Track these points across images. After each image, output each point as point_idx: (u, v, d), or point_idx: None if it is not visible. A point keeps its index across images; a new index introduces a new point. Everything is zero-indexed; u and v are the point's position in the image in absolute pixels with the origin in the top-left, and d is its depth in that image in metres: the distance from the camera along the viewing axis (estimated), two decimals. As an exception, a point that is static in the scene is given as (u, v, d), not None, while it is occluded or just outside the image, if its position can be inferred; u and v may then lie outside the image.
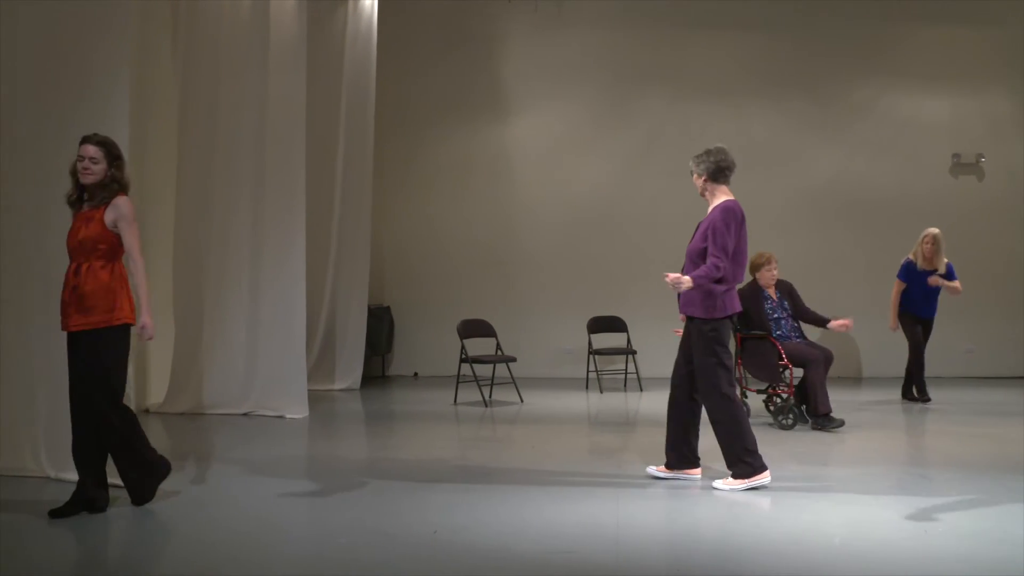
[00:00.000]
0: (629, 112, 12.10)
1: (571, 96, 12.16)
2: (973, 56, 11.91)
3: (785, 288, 8.40)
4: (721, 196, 5.93)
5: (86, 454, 5.05)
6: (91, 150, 4.96)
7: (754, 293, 8.26)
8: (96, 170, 4.96)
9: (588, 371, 10.99)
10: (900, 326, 9.50)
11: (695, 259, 5.88)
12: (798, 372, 7.97)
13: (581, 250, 11.66)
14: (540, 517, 5.27)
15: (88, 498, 5.02)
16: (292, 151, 8.65)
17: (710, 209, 5.95)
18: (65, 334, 5.04)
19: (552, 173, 11.95)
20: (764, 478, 5.75)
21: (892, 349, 10.49)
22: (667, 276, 5.74)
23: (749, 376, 8.33)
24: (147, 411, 8.63)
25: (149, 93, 8.54)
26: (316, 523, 5.25)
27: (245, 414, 8.59)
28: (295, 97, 8.67)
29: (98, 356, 4.94)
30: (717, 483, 5.79)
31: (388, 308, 11.92)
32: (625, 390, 10.80)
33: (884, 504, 5.47)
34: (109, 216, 4.97)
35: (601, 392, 10.61)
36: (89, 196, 5.03)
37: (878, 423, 8.29)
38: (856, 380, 11.38)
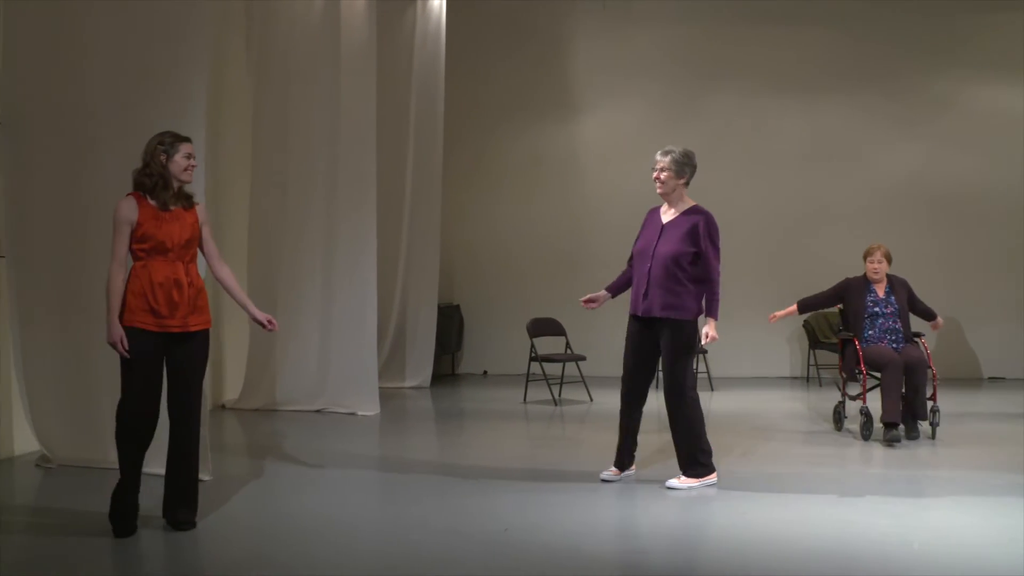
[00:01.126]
0: (699, 109, 11.97)
1: (640, 93, 12.08)
2: (1056, 45, 11.53)
3: (900, 285, 7.64)
4: (688, 200, 5.87)
5: (142, 458, 4.85)
6: (194, 149, 4.89)
7: (860, 287, 7.63)
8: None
9: (658, 370, 10.88)
10: None
11: (669, 263, 5.68)
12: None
13: (651, 248, 11.57)
14: (612, 517, 5.25)
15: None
16: (363, 151, 8.75)
17: (675, 211, 5.83)
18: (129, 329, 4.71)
19: (621, 171, 11.86)
20: (714, 478, 5.81)
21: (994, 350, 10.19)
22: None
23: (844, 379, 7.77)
24: (223, 407, 8.81)
25: (223, 94, 8.72)
26: (387, 519, 5.29)
27: (318, 411, 8.71)
28: (366, 98, 8.77)
29: (206, 355, 4.88)
30: (672, 482, 5.76)
31: (458, 307, 11.98)
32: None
33: (967, 507, 5.32)
34: (201, 218, 4.91)
35: (671, 391, 10.51)
36: (175, 195, 4.83)
37: (968, 427, 8.04)
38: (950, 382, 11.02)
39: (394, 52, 10.37)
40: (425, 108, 10.75)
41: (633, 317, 5.89)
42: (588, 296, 6.12)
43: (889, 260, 7.68)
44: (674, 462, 5.88)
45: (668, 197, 5.84)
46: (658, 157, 5.83)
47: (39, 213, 6.15)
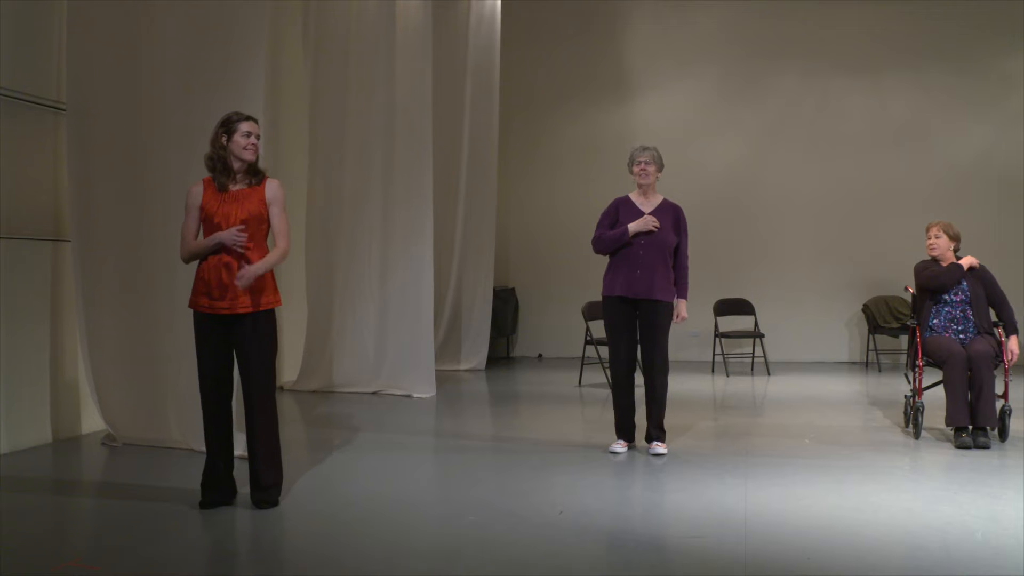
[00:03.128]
0: (761, 89, 11.81)
1: (700, 74, 11.96)
2: None
3: (976, 272, 6.90)
4: (658, 192, 6.48)
5: (223, 436, 4.92)
6: (256, 127, 4.80)
7: (931, 268, 6.97)
8: (259, 145, 4.82)
9: (714, 354, 10.83)
10: None
11: (662, 250, 6.23)
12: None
13: (708, 231, 11.44)
14: (667, 501, 5.23)
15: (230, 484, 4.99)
16: (419, 136, 8.79)
17: (652, 203, 6.39)
18: (194, 312, 4.81)
19: (680, 154, 11.74)
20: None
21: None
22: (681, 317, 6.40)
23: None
24: (281, 388, 8.94)
25: (280, 80, 8.81)
26: (443, 501, 5.33)
27: (374, 393, 8.80)
28: (421, 83, 8.80)
29: (265, 338, 4.79)
30: (660, 448, 6.24)
31: (513, 290, 12.00)
32: (752, 374, 10.60)
33: (1032, 497, 5.19)
34: (268, 195, 4.79)
35: (727, 376, 10.44)
36: (237, 174, 4.81)
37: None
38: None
39: (449, 37, 10.40)
40: (480, 92, 10.76)
41: (618, 299, 6.27)
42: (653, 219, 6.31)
43: (953, 238, 6.97)
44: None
45: (648, 188, 6.43)
46: (641, 152, 6.43)
47: (103, 198, 6.30)
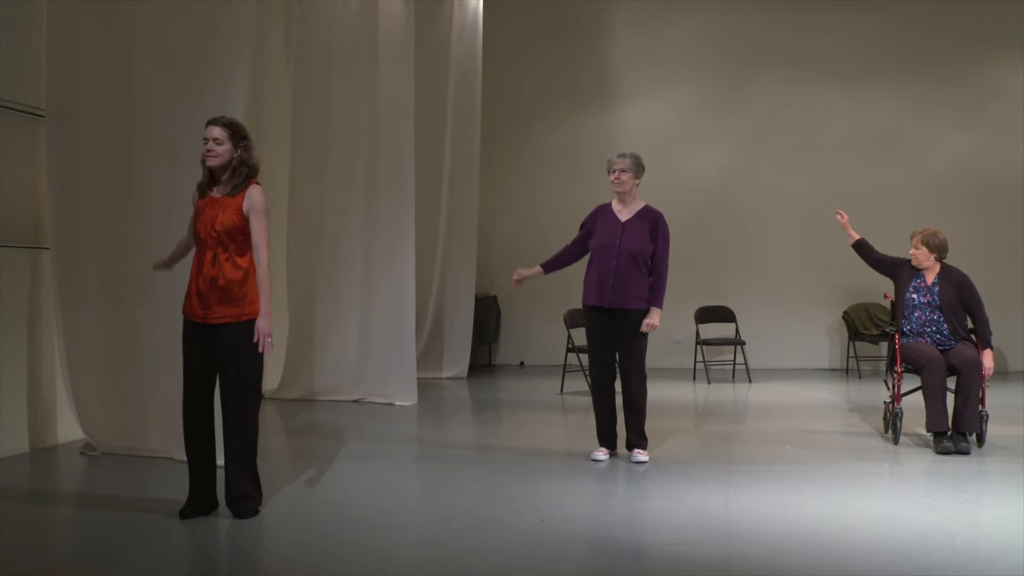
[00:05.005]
0: (743, 97, 11.87)
1: (682, 82, 12.01)
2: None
3: (952, 278, 6.88)
4: (639, 199, 6.37)
5: (203, 444, 4.85)
6: (215, 131, 4.68)
7: (910, 273, 6.98)
8: (220, 151, 4.68)
9: (696, 362, 10.85)
10: None
11: (636, 258, 6.15)
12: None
13: (690, 239, 11.43)
14: (649, 507, 5.24)
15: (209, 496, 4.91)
16: (401, 142, 8.78)
17: (630, 210, 6.30)
18: (181, 321, 4.80)
19: (663, 161, 11.74)
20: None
21: None
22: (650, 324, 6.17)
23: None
24: (262, 397, 8.88)
25: (263, 85, 8.78)
26: (427, 509, 5.32)
27: (356, 401, 8.77)
28: (404, 89, 8.79)
29: (234, 349, 4.68)
30: (641, 456, 6.18)
31: (495, 297, 12.00)
32: (733, 381, 10.63)
33: (1011, 502, 5.23)
34: (245, 205, 4.67)
35: (709, 383, 10.46)
36: (220, 181, 4.76)
37: (1013, 421, 7.90)
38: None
39: (432, 44, 10.39)
40: (463, 99, 10.76)
41: (594, 308, 6.28)
42: (523, 274, 6.60)
43: (932, 248, 6.93)
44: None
45: (624, 196, 6.32)
46: (616, 159, 6.33)
47: (83, 204, 6.25)
